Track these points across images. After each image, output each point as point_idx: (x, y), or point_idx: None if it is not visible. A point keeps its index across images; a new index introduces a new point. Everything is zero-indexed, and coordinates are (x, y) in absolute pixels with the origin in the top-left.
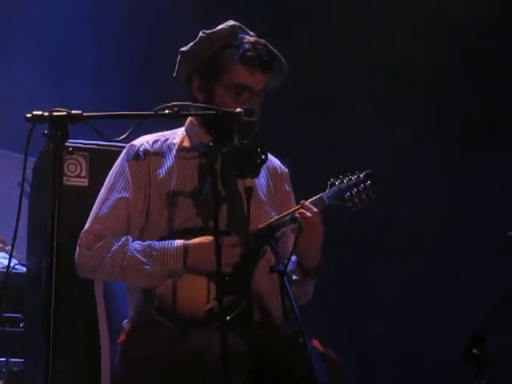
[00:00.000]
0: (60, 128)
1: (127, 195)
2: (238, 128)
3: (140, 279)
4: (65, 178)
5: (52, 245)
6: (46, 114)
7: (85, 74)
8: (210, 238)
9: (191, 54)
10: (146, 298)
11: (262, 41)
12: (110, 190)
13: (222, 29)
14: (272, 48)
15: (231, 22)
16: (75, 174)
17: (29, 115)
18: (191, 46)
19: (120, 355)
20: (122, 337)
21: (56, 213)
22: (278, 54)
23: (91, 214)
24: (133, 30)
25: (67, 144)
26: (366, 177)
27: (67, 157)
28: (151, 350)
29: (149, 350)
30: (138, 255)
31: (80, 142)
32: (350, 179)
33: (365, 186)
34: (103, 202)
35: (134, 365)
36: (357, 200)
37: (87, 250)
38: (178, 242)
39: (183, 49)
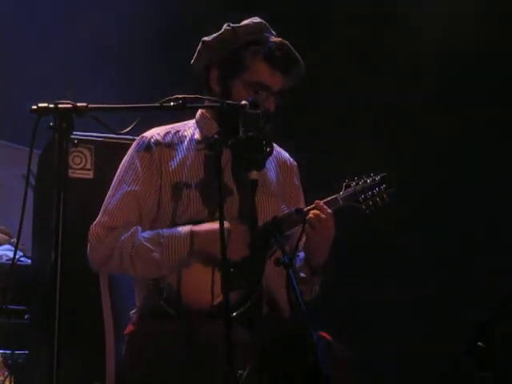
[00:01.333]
0: (65, 120)
1: (137, 188)
2: (244, 120)
3: (148, 268)
4: (70, 171)
5: (57, 238)
6: (51, 105)
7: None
8: (217, 225)
9: (213, 45)
10: (154, 288)
11: (286, 42)
12: (120, 183)
13: (248, 24)
14: (294, 50)
15: (257, 19)
16: (80, 167)
17: (34, 107)
18: (214, 37)
19: (126, 346)
20: (129, 327)
21: (61, 205)
22: (299, 56)
23: (102, 208)
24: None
25: (72, 136)
26: (382, 180)
27: (72, 149)
28: (157, 342)
29: (155, 341)
30: (145, 243)
31: (85, 135)
32: (366, 181)
33: (380, 190)
34: (113, 195)
35: (140, 356)
36: (371, 203)
37: (97, 242)
38: (186, 228)
39: (205, 38)
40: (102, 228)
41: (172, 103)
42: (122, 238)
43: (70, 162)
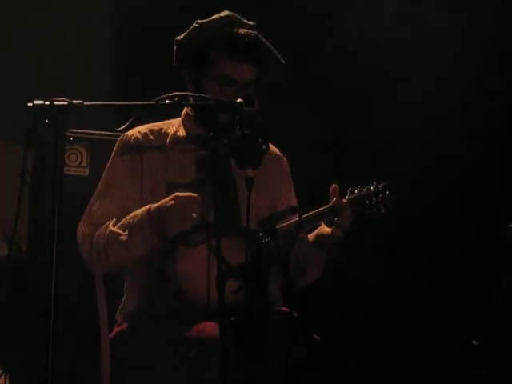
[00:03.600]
0: (61, 117)
1: (120, 187)
2: (239, 118)
3: (119, 253)
4: (65, 168)
5: (52, 235)
6: (47, 103)
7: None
8: (170, 197)
9: (183, 44)
10: (164, 289)
11: (254, 33)
12: (104, 183)
13: (213, 19)
14: (264, 41)
15: (225, 13)
16: (76, 164)
17: (30, 104)
18: (184, 36)
19: (112, 348)
20: (115, 329)
21: (56, 203)
22: (271, 46)
23: (87, 208)
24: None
25: (68, 134)
26: (385, 187)
27: (68, 147)
28: (150, 342)
29: (147, 341)
30: (114, 229)
31: (81, 132)
32: (369, 188)
33: (384, 196)
34: (97, 195)
35: (132, 356)
36: (375, 209)
37: (83, 242)
38: (145, 207)
39: (178, 38)
40: (86, 227)
41: (167, 101)
42: (97, 232)
43: (66, 160)
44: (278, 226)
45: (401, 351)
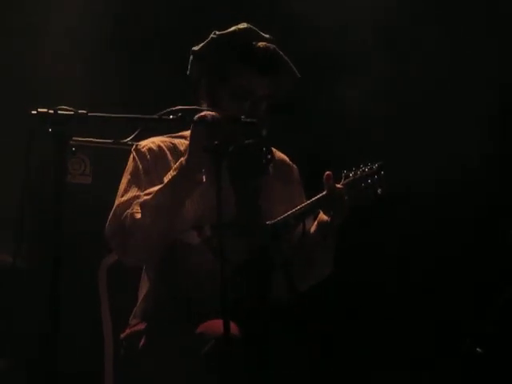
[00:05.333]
0: (64, 126)
1: (142, 187)
2: (242, 129)
3: (159, 202)
4: (69, 176)
5: (55, 243)
6: (50, 111)
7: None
8: None
9: (201, 55)
10: (170, 292)
11: (272, 46)
12: (127, 184)
13: (231, 31)
14: (281, 53)
15: (243, 25)
16: (79, 172)
17: (34, 112)
18: (201, 47)
19: (123, 350)
20: (126, 332)
21: (59, 211)
22: (286, 59)
23: (113, 207)
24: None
25: (71, 142)
26: (379, 168)
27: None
28: (156, 345)
29: (153, 345)
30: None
31: (84, 140)
32: (364, 170)
33: (379, 178)
34: (122, 195)
35: (138, 360)
36: (372, 191)
37: (113, 234)
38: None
39: (194, 48)
40: (115, 220)
41: (171, 116)
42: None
43: (69, 168)
44: (277, 219)
45: (401, 351)
